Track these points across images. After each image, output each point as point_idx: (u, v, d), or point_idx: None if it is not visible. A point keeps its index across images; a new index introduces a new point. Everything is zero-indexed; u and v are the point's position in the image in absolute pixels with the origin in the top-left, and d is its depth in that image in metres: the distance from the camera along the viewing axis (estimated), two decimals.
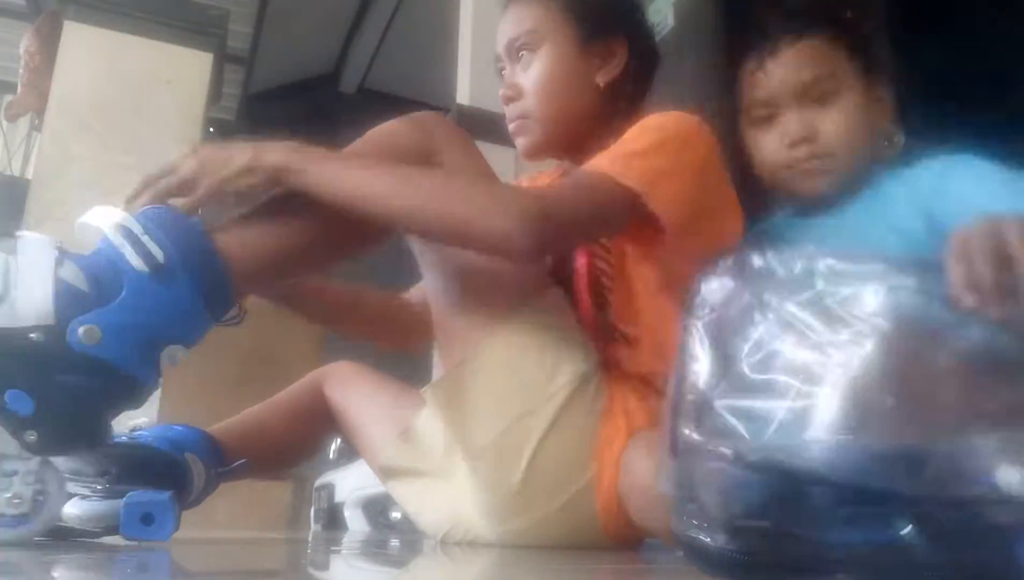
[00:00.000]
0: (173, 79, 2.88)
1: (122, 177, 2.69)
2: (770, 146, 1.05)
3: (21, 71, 2.93)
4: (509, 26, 1.07)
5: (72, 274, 0.72)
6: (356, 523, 3.06)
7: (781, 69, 1.04)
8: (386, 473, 1.09)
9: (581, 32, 1.04)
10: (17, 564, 0.58)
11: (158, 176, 0.80)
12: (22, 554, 0.66)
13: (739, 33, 2.40)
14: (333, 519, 3.35)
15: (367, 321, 1.19)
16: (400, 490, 1.09)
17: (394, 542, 1.31)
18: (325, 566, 0.78)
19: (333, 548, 1.13)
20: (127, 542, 0.77)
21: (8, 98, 3.23)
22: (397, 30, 4.32)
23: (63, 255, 0.73)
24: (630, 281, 0.96)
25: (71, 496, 0.76)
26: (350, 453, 3.72)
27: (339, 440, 4.04)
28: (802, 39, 1.05)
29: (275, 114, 4.58)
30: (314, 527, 3.42)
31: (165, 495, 0.75)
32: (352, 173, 0.82)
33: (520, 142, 1.06)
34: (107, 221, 0.75)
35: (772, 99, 1.04)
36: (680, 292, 0.92)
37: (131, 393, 0.76)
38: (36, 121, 2.92)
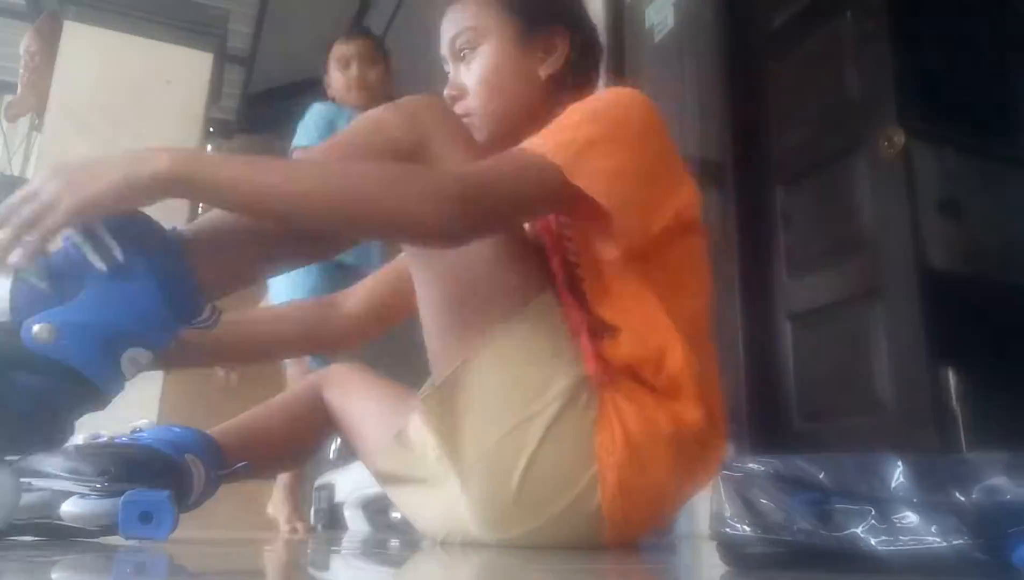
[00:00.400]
0: (173, 79, 2.88)
1: None
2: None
3: (21, 71, 2.93)
4: (449, 25, 1.07)
5: (33, 273, 0.71)
6: (356, 523, 3.06)
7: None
8: (382, 477, 1.09)
9: (520, 26, 1.04)
10: (14, 564, 0.58)
11: (18, 204, 0.72)
12: (19, 554, 0.66)
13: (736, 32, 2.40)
14: (333, 519, 3.35)
15: (294, 341, 1.19)
16: (397, 494, 1.09)
17: (394, 542, 1.31)
18: (325, 566, 0.78)
19: (333, 548, 1.13)
20: (127, 542, 0.77)
21: (8, 98, 3.23)
22: (397, 30, 4.32)
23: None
24: (598, 267, 0.94)
25: (25, 493, 0.76)
26: (350, 453, 3.71)
27: (339, 440, 4.04)
28: None
29: (275, 114, 4.57)
30: (317, 527, 3.41)
31: (164, 494, 0.76)
32: (251, 173, 0.76)
33: None
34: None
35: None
36: (649, 269, 0.93)
37: (89, 395, 0.74)
38: (36, 121, 2.92)
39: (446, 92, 1.06)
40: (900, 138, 1.90)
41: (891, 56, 1.96)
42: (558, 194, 0.84)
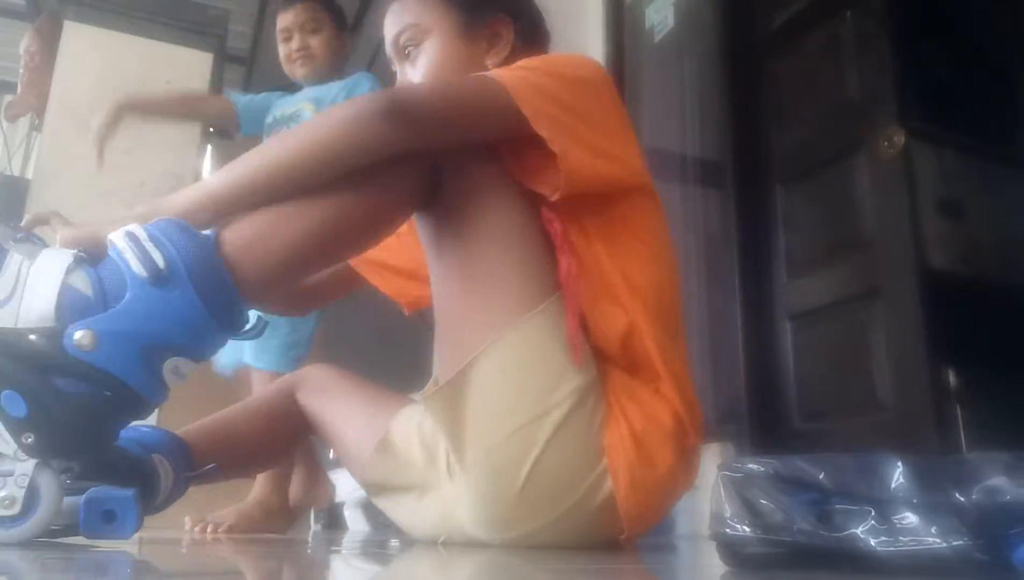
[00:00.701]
0: (173, 79, 2.87)
1: (122, 177, 2.69)
2: None
3: (21, 71, 2.93)
4: (391, 24, 1.06)
5: (80, 280, 0.72)
6: (356, 523, 3.06)
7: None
8: (369, 488, 1.07)
9: (462, 18, 1.04)
10: (8, 563, 0.58)
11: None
12: (12, 553, 0.66)
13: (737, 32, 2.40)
14: (333, 519, 3.35)
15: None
16: (387, 504, 1.07)
17: (394, 542, 1.31)
18: (325, 566, 0.78)
19: (333, 548, 1.13)
20: (128, 542, 0.77)
21: (8, 98, 3.23)
22: None
23: (78, 263, 0.73)
24: (585, 259, 0.94)
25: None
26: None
27: None
28: None
29: None
30: (314, 527, 3.41)
31: (127, 492, 0.74)
32: (230, 176, 0.84)
33: None
34: (119, 229, 0.75)
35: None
36: (603, 229, 0.93)
37: (132, 402, 0.74)
38: (36, 121, 2.92)
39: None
40: (900, 138, 1.90)
41: (891, 56, 1.96)
42: (501, 115, 0.86)
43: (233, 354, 1.90)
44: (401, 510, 1.05)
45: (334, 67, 2.15)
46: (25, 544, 0.73)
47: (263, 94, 2.28)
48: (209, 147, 4.31)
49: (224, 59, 3.29)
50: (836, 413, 2.01)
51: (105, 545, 0.77)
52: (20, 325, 0.70)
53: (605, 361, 0.92)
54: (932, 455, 0.59)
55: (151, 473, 0.86)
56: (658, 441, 0.90)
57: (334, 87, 2.10)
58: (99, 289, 0.73)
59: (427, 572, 0.71)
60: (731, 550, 0.62)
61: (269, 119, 2.16)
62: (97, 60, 2.81)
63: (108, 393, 0.72)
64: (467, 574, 0.66)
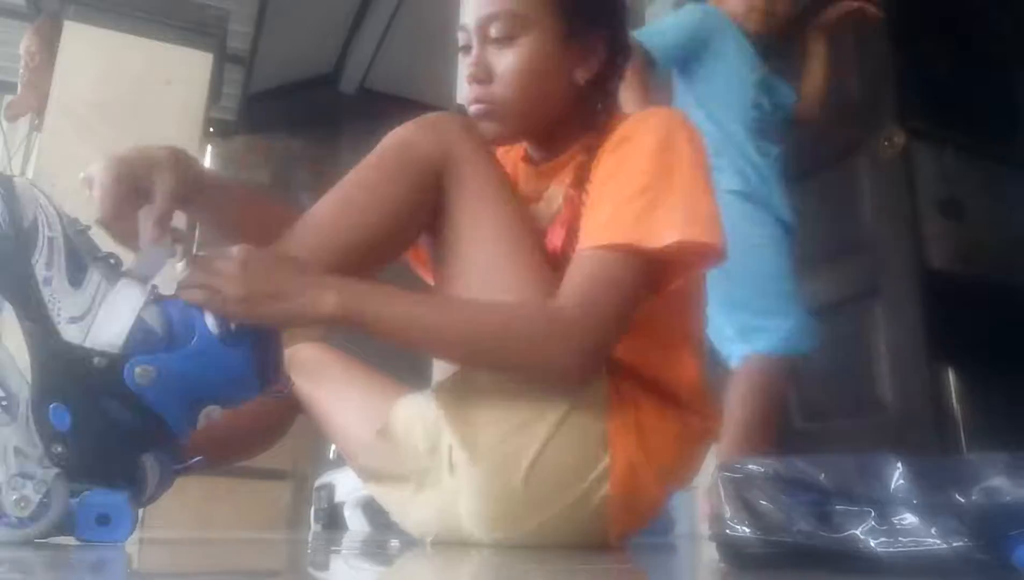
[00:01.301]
0: (173, 79, 2.87)
1: None
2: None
3: (21, 71, 2.93)
4: (486, 1, 0.99)
5: (153, 316, 0.74)
6: (356, 523, 3.06)
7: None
8: (365, 474, 1.05)
9: (564, 26, 0.99)
10: (22, 563, 0.58)
11: (204, 275, 0.77)
12: (11, 552, 0.66)
13: None
14: (333, 519, 3.35)
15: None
16: (383, 493, 1.05)
17: (394, 542, 1.31)
18: (325, 566, 0.78)
19: (333, 548, 1.13)
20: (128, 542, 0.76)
21: (8, 98, 3.23)
22: (397, 30, 4.31)
23: (153, 299, 0.75)
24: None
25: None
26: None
27: None
28: None
29: (275, 114, 4.58)
30: (314, 527, 3.41)
31: (122, 496, 0.74)
32: (407, 318, 0.84)
33: (486, 127, 0.99)
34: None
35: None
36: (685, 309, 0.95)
37: (163, 438, 0.77)
38: (36, 121, 2.92)
39: (471, 71, 0.99)
40: (900, 138, 1.91)
41: (891, 56, 1.96)
42: (649, 267, 0.87)
43: None
44: (395, 499, 1.04)
45: (775, 34, 1.93)
46: (23, 545, 0.73)
47: (693, 11, 1.92)
48: (209, 147, 4.31)
49: (224, 59, 3.29)
50: (836, 413, 2.02)
51: (103, 546, 0.77)
52: (87, 344, 0.72)
53: (619, 370, 0.93)
54: (932, 456, 0.60)
55: (140, 470, 0.85)
56: (662, 436, 0.91)
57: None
58: (168, 330, 0.75)
59: (427, 572, 0.71)
60: (731, 550, 0.62)
61: (759, 70, 1.88)
62: (97, 60, 2.81)
63: (148, 427, 0.74)
64: (468, 574, 0.66)
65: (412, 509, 1.01)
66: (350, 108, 4.78)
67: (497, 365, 0.86)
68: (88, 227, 0.76)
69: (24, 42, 2.91)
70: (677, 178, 0.89)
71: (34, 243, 0.70)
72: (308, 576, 0.67)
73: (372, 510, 2.89)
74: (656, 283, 0.91)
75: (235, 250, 0.79)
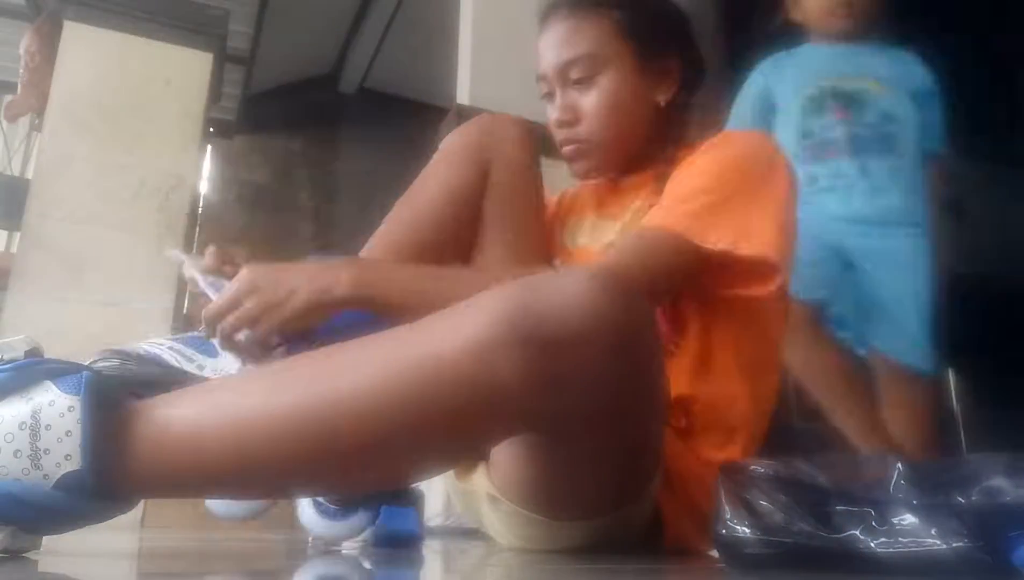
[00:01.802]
0: (173, 79, 2.87)
1: (122, 177, 2.69)
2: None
3: (21, 71, 2.93)
4: (561, 48, 1.01)
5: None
6: None
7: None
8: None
9: (639, 53, 1.01)
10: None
11: (222, 312, 0.79)
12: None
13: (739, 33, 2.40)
14: None
15: None
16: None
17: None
18: (325, 566, 0.78)
19: (333, 548, 1.13)
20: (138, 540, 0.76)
21: (8, 98, 3.23)
22: (397, 30, 4.31)
23: None
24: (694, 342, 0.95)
25: None
26: None
27: None
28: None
29: (275, 114, 4.57)
30: None
31: (410, 510, 0.84)
32: (422, 291, 0.81)
33: (577, 166, 1.04)
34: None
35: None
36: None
37: None
38: (36, 121, 2.92)
39: (555, 117, 1.03)
40: None
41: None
42: (694, 260, 0.86)
43: None
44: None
45: (858, 33, 1.85)
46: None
47: (754, 79, 1.90)
48: (209, 147, 4.31)
49: (224, 59, 3.28)
50: None
51: (103, 546, 0.77)
52: None
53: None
54: (931, 456, 0.59)
55: None
56: (696, 476, 0.88)
57: (897, 58, 1.85)
58: None
59: (428, 572, 0.71)
60: (731, 551, 0.62)
61: (807, 88, 1.81)
62: (97, 60, 2.81)
63: None
64: (466, 573, 0.66)
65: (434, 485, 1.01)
66: (350, 108, 4.78)
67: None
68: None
69: (24, 42, 2.91)
70: (742, 190, 0.89)
71: None
72: (308, 576, 0.67)
73: None
74: (708, 287, 0.91)
75: (239, 275, 0.81)
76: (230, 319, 0.79)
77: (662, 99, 1.03)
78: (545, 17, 1.05)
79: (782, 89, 1.82)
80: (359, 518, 0.84)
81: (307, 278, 0.80)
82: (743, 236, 0.86)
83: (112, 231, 2.59)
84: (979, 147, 2.11)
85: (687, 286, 0.91)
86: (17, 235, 2.79)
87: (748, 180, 0.90)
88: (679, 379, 0.91)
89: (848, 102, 1.78)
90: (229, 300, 0.79)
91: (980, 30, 2.26)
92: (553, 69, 1.02)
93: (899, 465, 0.57)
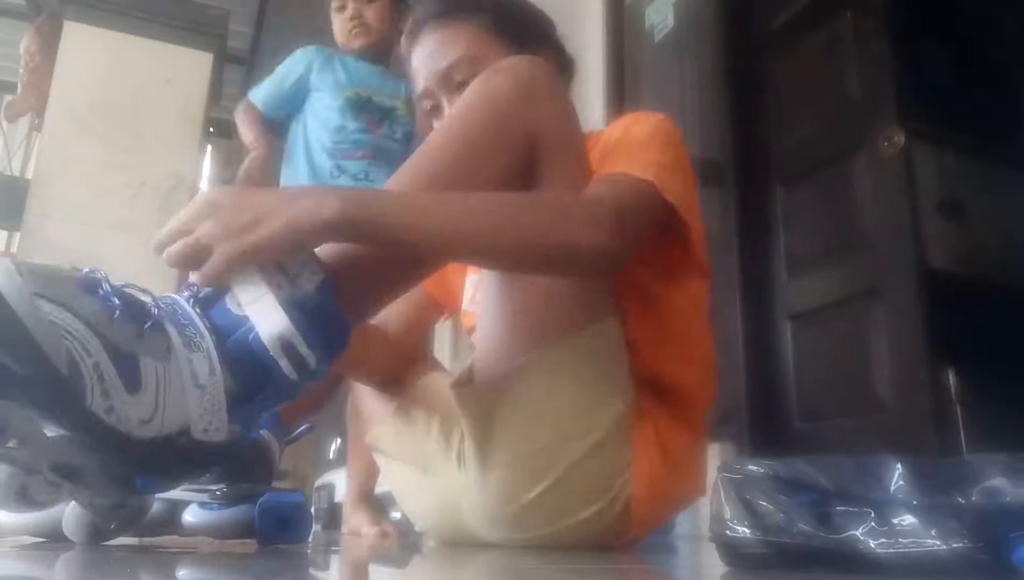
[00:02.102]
0: (173, 79, 2.88)
1: (122, 177, 2.69)
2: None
3: (21, 71, 2.93)
4: (439, 57, 1.01)
5: (229, 377, 0.66)
6: None
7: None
8: (377, 447, 1.05)
9: (514, 49, 1.01)
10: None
11: (172, 237, 0.67)
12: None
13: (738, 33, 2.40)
14: (333, 519, 3.35)
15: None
16: (389, 469, 1.05)
17: (395, 514, 1.31)
18: (325, 566, 0.78)
19: (333, 548, 1.13)
20: (132, 542, 0.76)
21: (8, 98, 3.23)
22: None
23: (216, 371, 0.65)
24: (647, 290, 0.96)
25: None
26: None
27: (339, 440, 4.04)
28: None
29: None
30: (314, 527, 3.41)
31: (298, 495, 0.75)
32: (421, 214, 0.71)
33: None
34: (269, 330, 0.65)
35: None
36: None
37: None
38: (36, 121, 2.92)
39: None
40: (900, 138, 1.90)
41: (891, 56, 1.96)
42: (660, 214, 0.86)
43: None
44: (399, 478, 1.03)
45: (389, 41, 2.05)
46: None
47: (285, 70, 2.12)
48: (209, 147, 4.31)
49: (224, 59, 3.28)
50: (836, 413, 2.01)
51: (102, 547, 0.77)
52: (163, 434, 0.63)
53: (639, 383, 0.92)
54: (931, 456, 0.60)
55: (270, 453, 0.85)
56: (683, 449, 0.92)
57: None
58: (238, 382, 0.69)
59: (428, 572, 0.71)
60: (731, 551, 0.62)
61: (347, 92, 2.00)
62: (97, 60, 2.81)
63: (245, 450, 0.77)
64: (466, 574, 0.66)
65: (414, 492, 1.00)
66: None
67: (532, 254, 0.76)
68: (124, 286, 0.63)
69: (24, 42, 2.91)
70: (680, 160, 0.92)
71: (80, 386, 0.57)
72: (308, 576, 0.67)
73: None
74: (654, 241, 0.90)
75: (197, 196, 0.68)
76: (176, 246, 0.65)
77: None
78: (412, 35, 1.05)
79: (324, 79, 2.01)
80: (243, 510, 0.76)
81: (285, 199, 0.66)
82: (689, 208, 0.89)
83: (112, 231, 2.59)
84: (979, 147, 2.11)
85: (653, 236, 0.89)
86: (17, 235, 2.79)
87: (680, 153, 0.93)
88: (644, 350, 0.92)
89: (381, 116, 2.00)
90: (180, 222, 0.66)
91: (980, 30, 2.26)
92: (434, 78, 1.02)
93: (899, 465, 0.57)
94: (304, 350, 0.65)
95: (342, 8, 2.08)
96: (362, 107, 1.99)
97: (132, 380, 0.59)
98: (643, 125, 0.94)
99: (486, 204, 0.75)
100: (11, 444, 0.57)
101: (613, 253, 0.78)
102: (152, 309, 0.62)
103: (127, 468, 0.62)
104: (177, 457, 0.64)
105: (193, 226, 0.65)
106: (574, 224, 0.75)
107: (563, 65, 1.08)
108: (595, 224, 0.76)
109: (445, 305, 1.18)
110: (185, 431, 0.62)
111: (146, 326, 0.61)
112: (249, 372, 0.65)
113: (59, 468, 0.60)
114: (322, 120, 2.01)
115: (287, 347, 0.65)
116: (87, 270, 0.60)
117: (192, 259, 0.65)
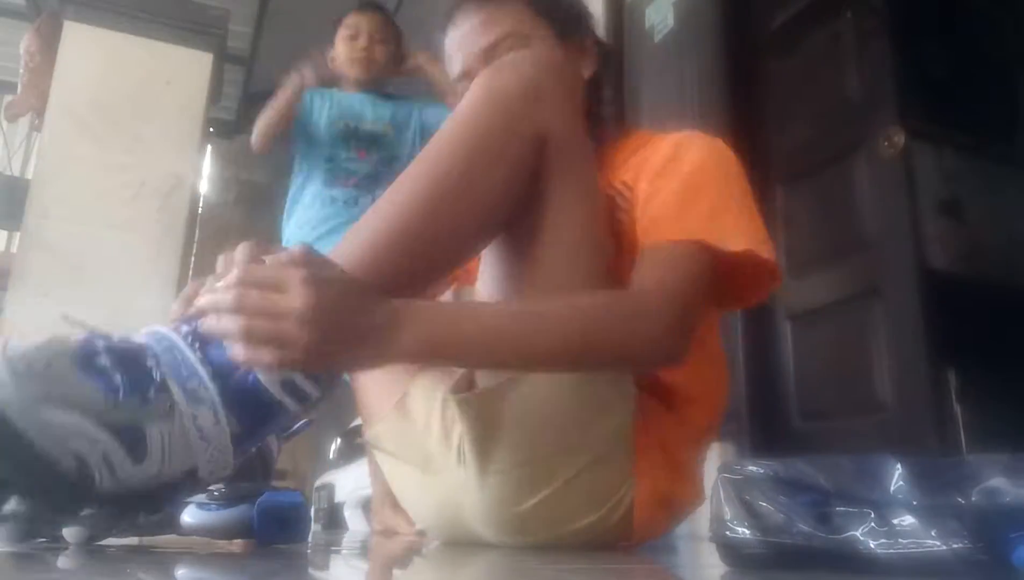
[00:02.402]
0: (173, 79, 2.88)
1: (122, 177, 2.69)
2: None
3: (21, 71, 2.93)
4: (480, 37, 0.99)
5: (223, 408, 0.66)
6: (356, 523, 3.06)
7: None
8: (376, 443, 1.03)
9: (556, 29, 1.02)
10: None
11: (249, 309, 0.63)
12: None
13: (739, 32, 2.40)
14: (333, 519, 3.36)
15: None
16: (388, 466, 1.03)
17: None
18: (325, 566, 0.78)
19: (333, 548, 1.13)
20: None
21: (8, 98, 3.23)
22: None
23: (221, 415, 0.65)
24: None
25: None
26: (350, 453, 3.72)
27: (339, 440, 4.04)
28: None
29: None
30: (314, 527, 3.42)
31: (297, 495, 0.76)
32: (487, 339, 0.73)
33: None
34: (271, 377, 0.66)
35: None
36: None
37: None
38: (36, 121, 2.92)
39: None
40: (900, 138, 1.90)
41: (891, 56, 1.96)
42: (717, 272, 0.86)
43: None
44: (399, 476, 1.02)
45: (377, 81, 2.19)
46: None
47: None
48: (209, 147, 4.31)
49: (224, 59, 3.29)
50: (836, 413, 2.01)
51: (102, 547, 0.77)
52: (166, 480, 0.65)
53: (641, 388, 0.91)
54: (931, 457, 0.59)
55: (269, 450, 0.86)
56: (688, 456, 0.92)
57: (406, 107, 2.16)
58: (235, 413, 0.69)
59: (428, 572, 0.71)
60: (731, 551, 0.62)
61: (338, 122, 2.11)
62: (97, 60, 2.81)
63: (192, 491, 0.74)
64: (466, 574, 0.66)
65: (413, 491, 0.99)
66: None
67: (597, 361, 0.79)
68: (120, 343, 0.62)
69: (24, 42, 2.91)
70: (738, 191, 0.90)
71: (89, 478, 0.57)
72: (308, 576, 0.67)
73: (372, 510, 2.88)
74: (720, 295, 0.90)
75: (297, 282, 0.63)
76: (256, 324, 0.63)
77: (586, 72, 1.04)
78: (452, 17, 1.04)
79: (319, 113, 2.11)
80: (241, 510, 0.78)
81: (370, 328, 0.66)
82: (760, 240, 0.87)
83: (112, 231, 2.59)
84: (979, 147, 2.11)
85: (712, 293, 0.88)
86: (17, 235, 2.79)
87: (741, 181, 0.91)
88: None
89: (370, 144, 2.10)
90: (267, 304, 0.63)
91: (980, 30, 2.26)
92: (477, 57, 0.99)
93: (899, 466, 0.57)
94: (305, 384, 0.67)
95: (355, 37, 2.17)
96: (351, 137, 2.10)
97: (138, 451, 0.60)
98: (695, 152, 0.92)
99: (558, 322, 0.75)
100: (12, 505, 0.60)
101: (675, 356, 0.81)
102: (154, 371, 0.62)
103: (128, 506, 0.63)
104: (184, 492, 0.67)
105: (277, 310, 0.63)
106: (639, 340, 0.78)
107: (602, 53, 1.08)
108: (660, 337, 0.78)
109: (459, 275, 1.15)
110: (192, 473, 0.64)
111: (150, 392, 0.60)
112: (252, 412, 0.66)
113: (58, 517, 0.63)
114: (316, 150, 2.12)
115: (287, 384, 0.66)
116: (82, 338, 0.60)
117: (265, 342, 0.63)
